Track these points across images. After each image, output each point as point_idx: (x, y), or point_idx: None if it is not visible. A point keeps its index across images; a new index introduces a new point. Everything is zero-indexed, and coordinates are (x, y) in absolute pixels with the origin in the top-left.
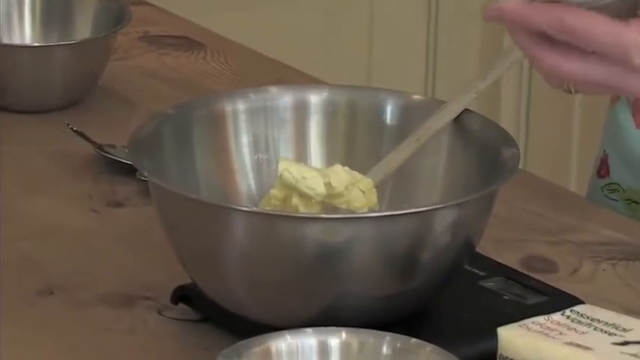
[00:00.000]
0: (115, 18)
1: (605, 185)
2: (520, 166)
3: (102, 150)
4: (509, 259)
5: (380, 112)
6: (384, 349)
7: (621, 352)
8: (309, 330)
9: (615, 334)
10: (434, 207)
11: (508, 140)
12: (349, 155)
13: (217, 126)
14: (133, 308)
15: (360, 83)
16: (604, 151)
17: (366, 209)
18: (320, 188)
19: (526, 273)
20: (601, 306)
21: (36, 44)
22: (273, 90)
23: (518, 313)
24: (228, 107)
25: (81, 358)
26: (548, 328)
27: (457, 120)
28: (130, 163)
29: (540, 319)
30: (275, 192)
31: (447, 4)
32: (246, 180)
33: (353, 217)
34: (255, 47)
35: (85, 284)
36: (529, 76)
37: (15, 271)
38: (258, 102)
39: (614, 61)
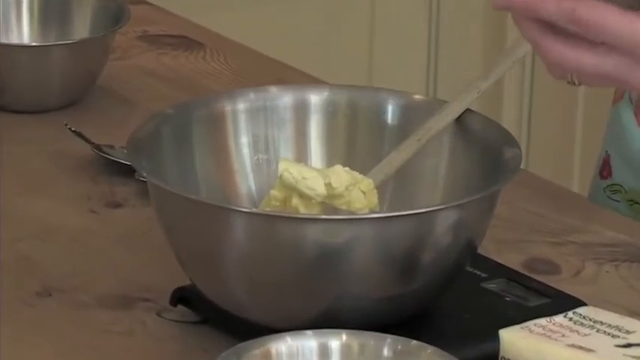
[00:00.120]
0: (113, 17)
1: (608, 186)
2: (522, 167)
3: (100, 150)
4: (511, 260)
5: (381, 112)
6: (385, 352)
7: (624, 355)
8: (309, 332)
9: (618, 337)
10: (435, 208)
11: (510, 140)
12: (350, 155)
13: (217, 126)
14: (132, 310)
15: (361, 83)
16: (606, 151)
17: (366, 210)
18: (320, 189)
19: (528, 274)
20: (604, 308)
21: (34, 44)
22: (273, 90)
23: (520, 315)
24: (227, 107)
25: None
26: (551, 330)
27: (459, 120)
28: (128, 163)
29: (542, 321)
30: (275, 193)
31: (448, 3)
32: (246, 180)
33: (353, 218)
34: (255, 47)
35: (84, 285)
36: (531, 75)
37: (13, 272)
38: (258, 102)
39: (623, 52)
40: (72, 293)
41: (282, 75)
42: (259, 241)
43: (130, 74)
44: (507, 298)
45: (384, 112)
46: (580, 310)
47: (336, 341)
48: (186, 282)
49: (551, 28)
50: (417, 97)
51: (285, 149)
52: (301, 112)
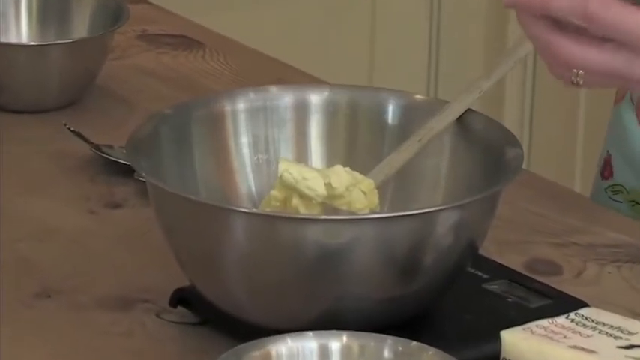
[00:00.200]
0: (112, 16)
1: (609, 187)
2: (524, 167)
3: (99, 150)
4: (513, 261)
5: (381, 112)
6: (386, 353)
7: (626, 356)
8: (309, 333)
9: (620, 338)
10: (436, 208)
11: (511, 140)
12: (350, 156)
13: (217, 126)
14: (131, 311)
15: (362, 83)
16: (607, 151)
17: (367, 210)
18: (320, 189)
19: (530, 275)
20: (606, 309)
21: (33, 43)
22: (273, 89)
23: (522, 316)
24: (227, 107)
25: None
26: (552, 331)
27: (460, 120)
28: (127, 163)
29: (544, 322)
30: (275, 193)
31: (449, 3)
32: (245, 181)
33: (354, 218)
34: (254, 46)
35: (83, 286)
36: (533, 75)
37: (12, 273)
38: (258, 102)
39: (633, 48)
40: (71, 294)
41: (282, 75)
42: (259, 241)
43: (129, 74)
44: (509, 299)
45: (384, 112)
46: (582, 311)
47: (337, 342)
48: (186, 283)
49: (558, 25)
50: (418, 96)
51: (285, 149)
52: (301, 112)
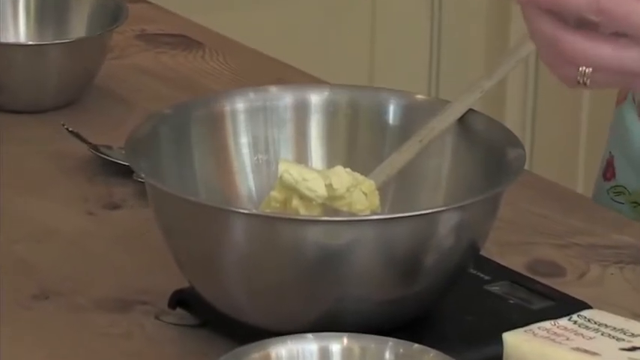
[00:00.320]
0: (111, 16)
1: (611, 188)
2: (526, 167)
3: (98, 151)
4: (515, 262)
5: (382, 112)
6: (387, 355)
7: (629, 358)
8: (309, 335)
9: (623, 340)
10: (437, 209)
11: (513, 141)
12: (351, 156)
13: (216, 126)
14: (130, 313)
15: (362, 82)
16: (610, 152)
17: (368, 212)
18: (321, 190)
19: (532, 277)
20: (609, 311)
21: (30, 43)
22: (273, 90)
23: (524, 318)
24: (227, 107)
25: None
26: (555, 333)
27: (461, 120)
28: (126, 164)
29: (547, 324)
30: (275, 194)
31: (450, 2)
32: (245, 181)
33: (354, 219)
34: (254, 46)
35: (81, 288)
36: (535, 75)
37: (10, 274)
38: (257, 102)
39: None
40: (69, 296)
41: (282, 75)
42: (259, 243)
43: (128, 74)
44: (511, 301)
45: (385, 112)
46: (584, 312)
47: (337, 345)
48: (185, 284)
49: (567, 23)
50: (419, 96)
51: (285, 150)
52: (301, 112)
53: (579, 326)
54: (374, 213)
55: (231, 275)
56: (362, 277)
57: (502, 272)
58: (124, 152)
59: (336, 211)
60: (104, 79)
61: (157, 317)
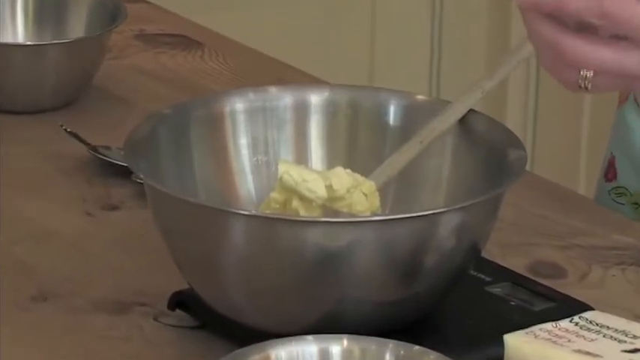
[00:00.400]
0: (109, 16)
1: (613, 189)
2: (527, 168)
3: (96, 152)
4: (516, 263)
5: (382, 113)
6: (387, 357)
7: None
8: (309, 337)
9: (625, 342)
10: (438, 210)
11: (515, 142)
12: (351, 157)
13: (215, 127)
14: (129, 314)
15: (362, 83)
16: (611, 153)
17: (368, 213)
18: (321, 191)
19: (533, 278)
20: (610, 312)
21: (29, 43)
22: (273, 90)
23: (525, 320)
24: (226, 107)
25: None
26: (556, 335)
27: (462, 121)
28: (125, 165)
29: (548, 325)
30: (275, 195)
31: (451, 2)
32: (245, 182)
33: (355, 220)
34: (254, 46)
35: (80, 290)
36: (536, 75)
37: (8, 276)
38: (257, 102)
39: None
40: (68, 298)
41: (282, 75)
42: (259, 244)
43: (127, 74)
44: (512, 303)
45: (385, 112)
46: (586, 314)
47: (337, 346)
48: (184, 286)
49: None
50: (420, 97)
51: (285, 150)
52: (301, 112)
53: (581, 328)
54: (374, 214)
55: (230, 276)
56: (362, 278)
57: (503, 273)
58: (122, 153)
59: (337, 213)
60: (103, 80)
61: (155, 319)
